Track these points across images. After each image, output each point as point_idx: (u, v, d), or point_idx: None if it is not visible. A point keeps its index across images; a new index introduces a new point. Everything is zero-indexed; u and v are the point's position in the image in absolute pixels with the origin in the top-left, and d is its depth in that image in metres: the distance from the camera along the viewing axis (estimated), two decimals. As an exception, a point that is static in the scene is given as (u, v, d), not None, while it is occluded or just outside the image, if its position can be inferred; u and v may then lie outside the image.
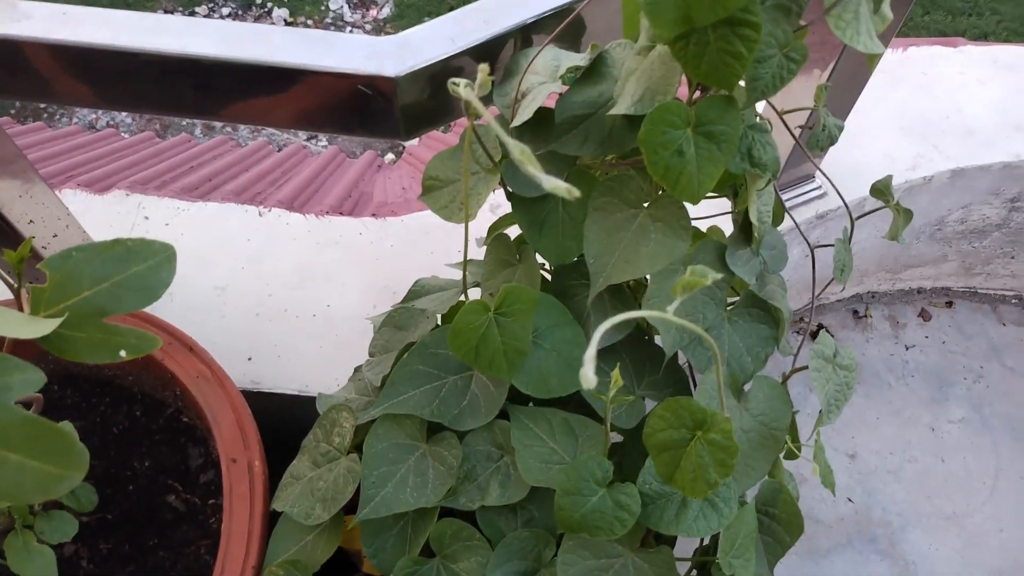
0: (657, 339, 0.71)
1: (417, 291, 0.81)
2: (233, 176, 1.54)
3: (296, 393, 0.92)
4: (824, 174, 0.87)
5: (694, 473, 0.51)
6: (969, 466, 1.28)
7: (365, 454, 0.66)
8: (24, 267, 0.53)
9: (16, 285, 0.53)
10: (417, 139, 1.93)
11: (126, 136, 2.42)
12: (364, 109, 0.65)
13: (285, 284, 1.01)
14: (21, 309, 0.48)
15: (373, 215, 1.08)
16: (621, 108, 0.56)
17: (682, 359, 0.73)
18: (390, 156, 3.36)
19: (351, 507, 0.70)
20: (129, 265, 0.49)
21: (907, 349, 1.43)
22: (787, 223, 1.03)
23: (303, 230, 1.06)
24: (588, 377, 0.36)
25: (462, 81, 0.47)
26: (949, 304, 1.54)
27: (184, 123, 3.42)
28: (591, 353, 0.36)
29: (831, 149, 1.02)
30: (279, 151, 2.10)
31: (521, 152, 0.35)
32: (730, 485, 0.58)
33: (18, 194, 0.79)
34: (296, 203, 1.24)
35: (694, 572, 0.66)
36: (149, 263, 0.49)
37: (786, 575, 0.95)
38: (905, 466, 1.27)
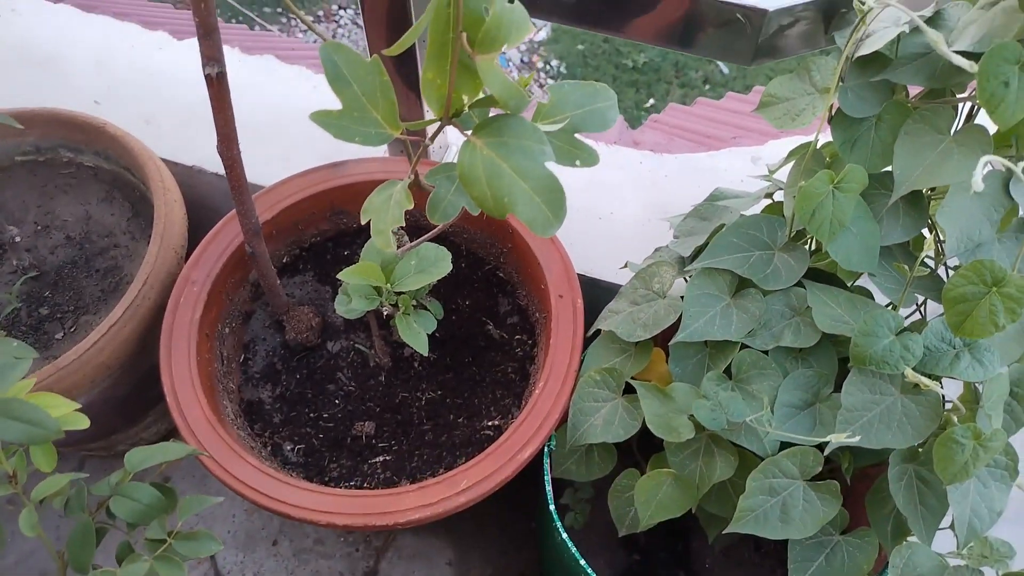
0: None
1: (716, 195, 1.00)
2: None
3: (582, 273, 1.14)
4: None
5: (985, 318, 0.67)
6: None
7: (686, 296, 0.85)
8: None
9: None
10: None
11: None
12: (730, 33, 0.84)
13: (578, 192, 1.23)
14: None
15: (651, 151, 1.28)
16: (961, 45, 0.72)
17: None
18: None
19: (657, 342, 0.90)
20: (596, 101, 0.71)
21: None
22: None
23: (594, 152, 1.28)
24: (977, 182, 0.53)
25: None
26: None
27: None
28: (979, 170, 0.54)
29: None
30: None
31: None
32: (994, 352, 0.73)
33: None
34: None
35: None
36: (607, 103, 0.71)
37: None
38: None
